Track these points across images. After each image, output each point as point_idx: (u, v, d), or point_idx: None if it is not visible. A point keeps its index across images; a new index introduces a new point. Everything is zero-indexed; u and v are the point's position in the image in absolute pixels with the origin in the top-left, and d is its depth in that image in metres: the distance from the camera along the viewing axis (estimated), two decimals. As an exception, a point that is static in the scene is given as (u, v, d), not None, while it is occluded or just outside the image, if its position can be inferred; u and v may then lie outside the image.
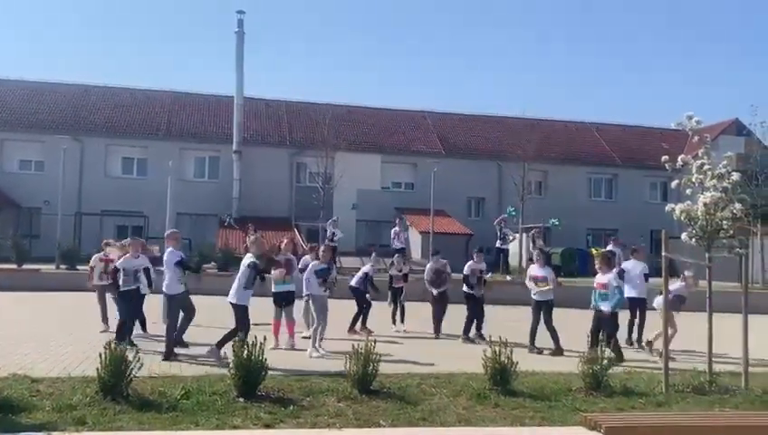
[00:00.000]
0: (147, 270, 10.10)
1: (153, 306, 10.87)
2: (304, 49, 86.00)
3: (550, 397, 7.25)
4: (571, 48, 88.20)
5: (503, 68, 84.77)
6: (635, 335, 11.47)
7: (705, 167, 7.93)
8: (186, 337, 9.69)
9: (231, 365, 6.78)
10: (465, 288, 12.11)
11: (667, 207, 8.22)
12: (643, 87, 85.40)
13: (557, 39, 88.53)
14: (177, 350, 9.14)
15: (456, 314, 12.26)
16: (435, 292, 12.50)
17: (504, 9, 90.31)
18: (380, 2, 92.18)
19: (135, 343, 9.42)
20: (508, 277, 20.53)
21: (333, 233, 21.66)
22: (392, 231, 22.00)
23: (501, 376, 7.33)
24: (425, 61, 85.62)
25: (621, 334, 10.97)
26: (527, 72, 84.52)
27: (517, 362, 7.47)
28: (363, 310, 12.24)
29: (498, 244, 22.26)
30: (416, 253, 28.17)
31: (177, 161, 27.82)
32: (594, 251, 27.00)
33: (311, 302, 10.47)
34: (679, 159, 8.08)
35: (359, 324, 12.17)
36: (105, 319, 11.24)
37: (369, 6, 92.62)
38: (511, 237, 22.89)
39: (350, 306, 12.43)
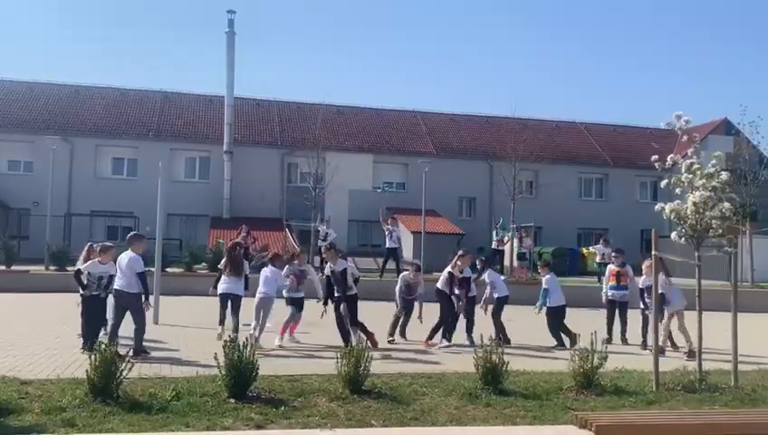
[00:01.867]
0: (111, 277, 9.52)
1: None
2: (295, 49, 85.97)
3: (541, 396, 7.27)
4: (562, 48, 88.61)
5: (493, 68, 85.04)
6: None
7: (695, 166, 7.96)
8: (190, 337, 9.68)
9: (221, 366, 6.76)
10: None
11: (656, 207, 8.25)
12: (633, 87, 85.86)
13: (548, 39, 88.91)
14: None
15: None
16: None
17: (495, 9, 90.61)
18: (372, 2, 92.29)
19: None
20: (502, 277, 20.57)
21: (327, 233, 21.57)
22: (385, 229, 21.78)
23: (492, 375, 7.34)
24: (416, 61, 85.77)
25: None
26: (518, 72, 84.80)
27: (508, 362, 7.48)
28: (445, 321, 11.12)
29: (494, 245, 22.49)
30: (407, 252, 28.18)
31: (167, 162, 27.65)
32: (586, 251, 27.20)
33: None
34: (669, 158, 8.11)
35: (437, 336, 11.12)
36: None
37: (361, 7, 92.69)
38: (506, 238, 23.09)
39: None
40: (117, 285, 9.21)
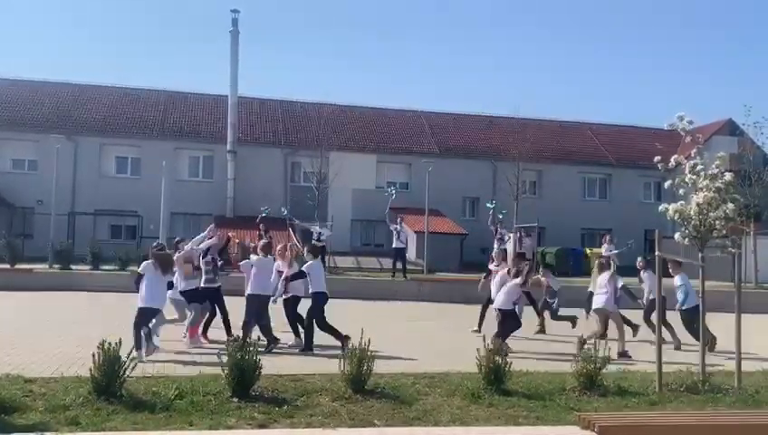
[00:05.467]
0: None
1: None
2: (299, 48, 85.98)
3: (544, 396, 7.27)
4: (565, 48, 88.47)
5: (497, 67, 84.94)
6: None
7: (698, 167, 7.95)
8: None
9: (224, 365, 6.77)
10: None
11: (660, 207, 8.23)
12: (637, 87, 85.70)
13: (551, 38, 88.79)
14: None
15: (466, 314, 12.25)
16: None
17: (499, 8, 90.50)
18: (375, 3, 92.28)
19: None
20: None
21: (320, 233, 21.62)
22: (393, 228, 21.72)
23: (495, 376, 7.34)
24: (420, 60, 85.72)
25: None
26: (521, 72, 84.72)
27: (511, 362, 7.49)
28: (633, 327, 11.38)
29: (496, 245, 22.19)
30: (411, 252, 28.19)
31: (171, 161, 27.79)
32: (589, 251, 27.14)
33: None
34: (672, 159, 8.10)
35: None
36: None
37: (365, 6, 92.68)
38: (507, 238, 22.87)
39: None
40: None
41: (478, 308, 12.73)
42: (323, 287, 10.38)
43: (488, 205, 23.62)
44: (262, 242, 10.38)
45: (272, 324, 10.26)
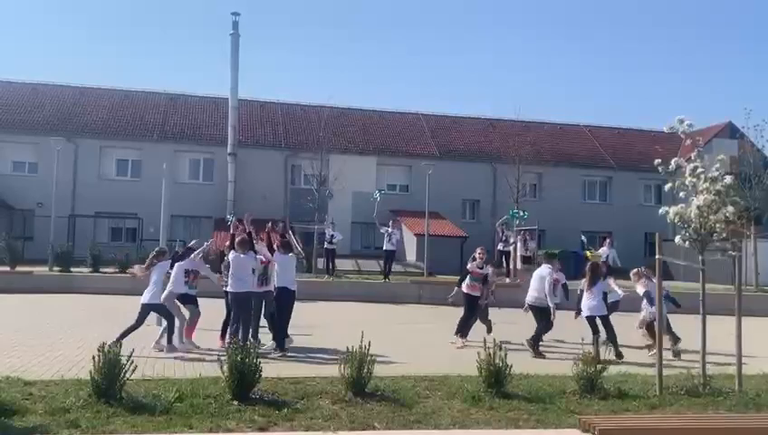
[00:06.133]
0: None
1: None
2: (299, 51, 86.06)
3: (544, 399, 7.26)
4: (566, 50, 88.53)
5: (497, 70, 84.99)
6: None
7: (699, 170, 7.95)
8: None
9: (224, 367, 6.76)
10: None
11: (660, 210, 8.24)
12: (637, 87, 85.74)
13: (551, 40, 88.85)
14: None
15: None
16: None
17: (499, 10, 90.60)
18: (376, 4, 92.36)
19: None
20: (507, 280, 20.37)
21: (332, 235, 21.59)
22: (384, 230, 21.72)
23: (495, 379, 7.33)
24: (420, 63, 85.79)
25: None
26: (521, 74, 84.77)
27: (512, 365, 7.47)
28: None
29: (501, 246, 22.11)
30: (411, 255, 28.19)
31: (171, 163, 27.71)
32: (589, 254, 27.09)
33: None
34: (672, 162, 8.11)
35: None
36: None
37: (365, 8, 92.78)
38: (512, 240, 22.81)
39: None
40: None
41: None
42: (290, 284, 10.13)
43: (518, 214, 23.57)
44: (238, 238, 10.18)
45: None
